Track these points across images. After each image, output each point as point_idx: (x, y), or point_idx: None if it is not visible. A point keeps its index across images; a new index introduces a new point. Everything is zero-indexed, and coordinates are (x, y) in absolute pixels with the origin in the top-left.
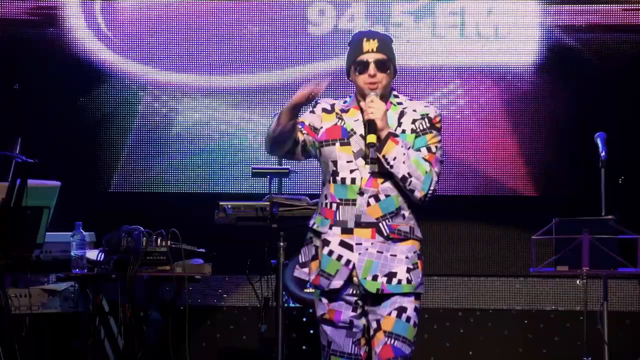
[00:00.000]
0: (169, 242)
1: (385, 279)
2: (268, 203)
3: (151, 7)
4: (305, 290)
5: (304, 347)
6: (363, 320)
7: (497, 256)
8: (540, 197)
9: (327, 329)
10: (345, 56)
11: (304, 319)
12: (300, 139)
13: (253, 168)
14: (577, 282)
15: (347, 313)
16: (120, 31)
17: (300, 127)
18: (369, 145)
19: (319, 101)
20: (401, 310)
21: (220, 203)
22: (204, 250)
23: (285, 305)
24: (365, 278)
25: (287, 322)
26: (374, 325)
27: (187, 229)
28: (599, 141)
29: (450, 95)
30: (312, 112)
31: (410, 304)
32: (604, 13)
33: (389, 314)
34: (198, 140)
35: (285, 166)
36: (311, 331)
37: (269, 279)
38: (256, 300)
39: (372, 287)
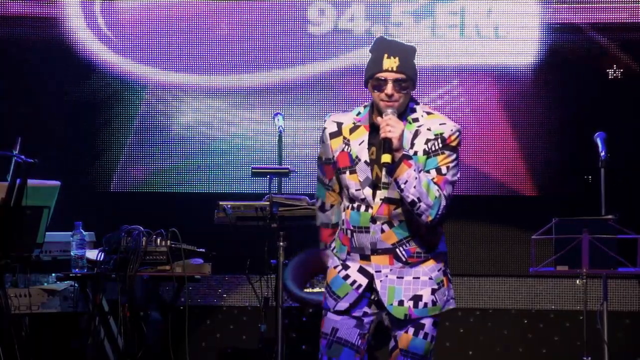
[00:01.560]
0: (168, 241)
1: (411, 302)
2: (268, 203)
3: (151, 7)
4: (305, 290)
5: (303, 347)
6: (373, 317)
7: (497, 256)
8: (540, 196)
9: (337, 317)
10: (366, 63)
11: (304, 319)
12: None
13: (253, 168)
14: (577, 281)
15: (363, 308)
16: (121, 31)
17: (331, 169)
18: (383, 165)
19: (325, 125)
20: (418, 327)
21: (220, 203)
22: (203, 250)
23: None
24: (391, 304)
25: (287, 322)
26: (392, 341)
27: (187, 228)
28: (598, 141)
29: (450, 95)
30: (323, 141)
31: (428, 320)
32: (603, 11)
33: (406, 331)
34: (198, 139)
35: (285, 166)
36: (311, 331)
37: (269, 278)
38: (256, 300)
39: (399, 312)
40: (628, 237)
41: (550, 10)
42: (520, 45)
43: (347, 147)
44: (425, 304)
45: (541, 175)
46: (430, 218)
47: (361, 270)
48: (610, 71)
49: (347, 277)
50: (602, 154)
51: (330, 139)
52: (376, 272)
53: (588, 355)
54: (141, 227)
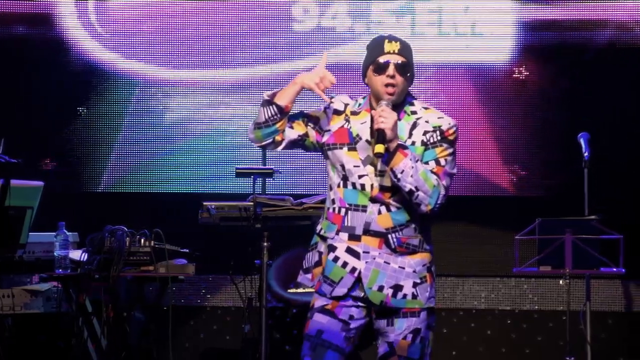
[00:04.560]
0: (152, 242)
1: (391, 291)
2: (252, 203)
3: (142, 7)
4: (289, 290)
5: (287, 347)
6: (361, 322)
7: (481, 256)
8: (523, 197)
9: (324, 318)
10: (363, 59)
11: (288, 319)
12: (301, 132)
13: (237, 168)
14: (560, 282)
15: (350, 309)
16: (111, 31)
17: (306, 120)
18: (376, 155)
19: (333, 99)
20: (416, 332)
21: (204, 203)
22: (187, 250)
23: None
24: (370, 288)
25: (271, 322)
26: (384, 347)
27: (171, 229)
28: (582, 141)
29: (432, 95)
30: (324, 111)
31: (423, 323)
32: (582, 9)
33: (405, 337)
34: (182, 140)
35: (269, 166)
36: (294, 331)
37: (253, 279)
38: (240, 301)
39: (376, 298)
40: (611, 237)
41: (527, 7)
42: (499, 43)
43: (347, 123)
44: (405, 295)
45: (525, 175)
46: (429, 207)
47: (350, 251)
48: (591, 69)
49: (336, 259)
50: (586, 154)
51: (333, 113)
52: (364, 252)
53: (571, 356)
54: (125, 228)
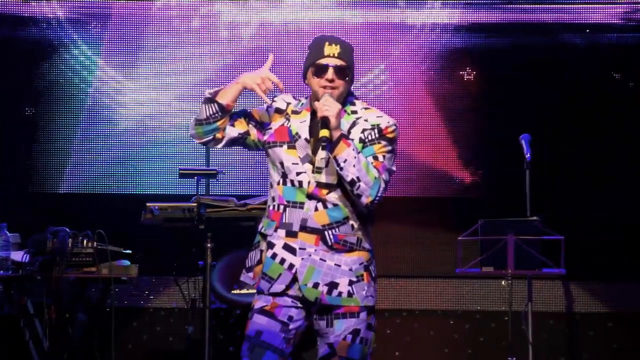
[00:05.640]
0: (95, 243)
1: (326, 288)
2: (195, 204)
3: (89, 7)
4: (233, 291)
5: (231, 348)
6: (300, 323)
7: (423, 257)
8: (466, 198)
9: (263, 319)
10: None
11: (231, 320)
12: (242, 130)
13: (180, 169)
14: (502, 282)
15: (289, 309)
16: (62, 33)
17: (248, 118)
18: (320, 140)
19: (275, 99)
20: (356, 333)
21: (148, 204)
22: (130, 251)
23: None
24: (305, 284)
25: (214, 323)
26: (324, 348)
27: (114, 230)
28: (523, 143)
29: (379, 92)
30: (266, 110)
31: (363, 324)
32: (526, 11)
33: (344, 338)
34: (126, 142)
35: (213, 167)
36: (238, 332)
37: (196, 280)
38: (183, 302)
39: (311, 295)
40: (552, 238)
41: (470, 11)
42: (441, 46)
43: (287, 122)
44: (340, 293)
45: (467, 177)
46: (370, 199)
47: (287, 248)
48: (531, 71)
49: (274, 255)
50: (527, 155)
51: (275, 112)
52: (300, 249)
53: (513, 356)
54: (67, 229)
